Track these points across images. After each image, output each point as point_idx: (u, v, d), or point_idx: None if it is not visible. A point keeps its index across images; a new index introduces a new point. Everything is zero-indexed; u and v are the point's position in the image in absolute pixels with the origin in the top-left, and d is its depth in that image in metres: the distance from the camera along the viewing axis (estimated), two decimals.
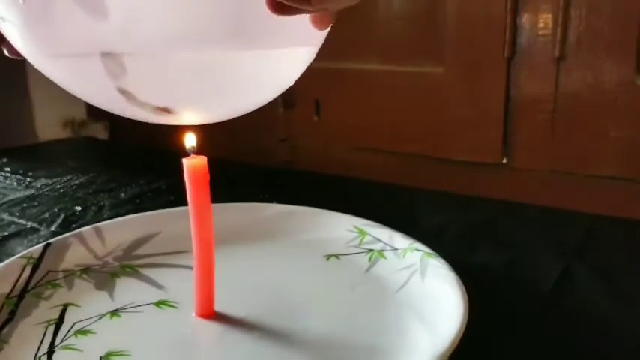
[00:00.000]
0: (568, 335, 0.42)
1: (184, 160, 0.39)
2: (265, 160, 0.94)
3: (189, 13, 0.28)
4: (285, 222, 0.56)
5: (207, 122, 0.36)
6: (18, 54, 0.34)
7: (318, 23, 0.31)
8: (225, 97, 0.34)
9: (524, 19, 0.76)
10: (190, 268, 0.43)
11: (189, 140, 0.39)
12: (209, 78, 0.31)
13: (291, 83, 0.36)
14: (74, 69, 0.31)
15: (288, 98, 0.93)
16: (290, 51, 0.33)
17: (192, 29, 0.29)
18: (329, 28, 0.32)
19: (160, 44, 0.29)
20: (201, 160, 0.39)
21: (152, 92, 0.32)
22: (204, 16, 0.28)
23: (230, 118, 0.36)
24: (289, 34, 0.31)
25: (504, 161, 0.81)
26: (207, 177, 0.39)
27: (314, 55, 0.35)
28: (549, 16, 0.75)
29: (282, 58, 0.33)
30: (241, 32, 0.30)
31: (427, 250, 0.47)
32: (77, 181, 0.79)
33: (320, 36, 0.33)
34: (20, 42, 0.31)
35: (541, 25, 0.75)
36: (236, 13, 0.29)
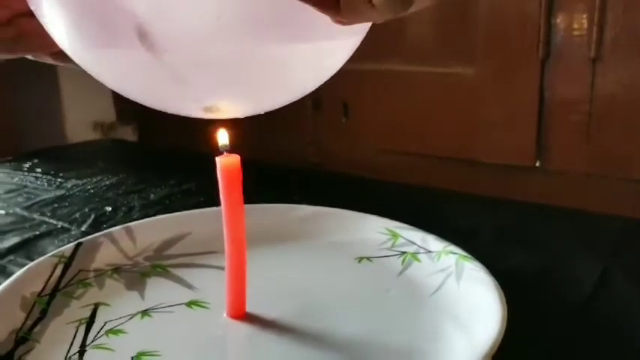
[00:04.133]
0: (606, 341, 0.40)
1: (217, 159, 0.39)
2: (293, 162, 0.93)
3: (233, 6, 0.28)
4: (316, 223, 0.55)
5: (247, 114, 0.35)
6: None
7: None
8: (267, 89, 0.34)
9: (559, 18, 0.74)
10: (221, 268, 0.42)
11: (222, 138, 0.38)
12: (252, 69, 0.31)
13: (334, 72, 0.35)
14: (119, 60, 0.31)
15: (316, 100, 0.92)
16: (335, 42, 0.32)
17: (236, 21, 0.28)
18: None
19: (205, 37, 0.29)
20: (235, 159, 0.39)
21: (200, 86, 0.32)
22: (247, 8, 0.28)
23: (271, 109, 0.35)
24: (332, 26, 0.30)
25: (537, 164, 0.79)
26: (240, 175, 0.39)
27: (357, 44, 0.34)
28: (585, 15, 0.73)
29: (328, 49, 0.32)
30: (285, 24, 0.29)
31: (462, 253, 0.46)
32: (107, 182, 0.79)
33: (365, 26, 0.33)
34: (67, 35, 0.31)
35: (576, 25, 0.74)
36: (280, 6, 0.28)
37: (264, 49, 0.30)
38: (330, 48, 0.33)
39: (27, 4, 0.33)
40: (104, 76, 0.33)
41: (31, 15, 0.35)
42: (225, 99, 0.34)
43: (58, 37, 0.32)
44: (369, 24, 0.32)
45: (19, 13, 0.36)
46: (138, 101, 0.34)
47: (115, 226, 0.53)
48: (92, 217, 0.66)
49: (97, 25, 0.29)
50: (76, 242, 0.49)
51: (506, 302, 0.38)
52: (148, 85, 0.33)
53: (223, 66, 0.30)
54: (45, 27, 0.32)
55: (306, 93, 0.35)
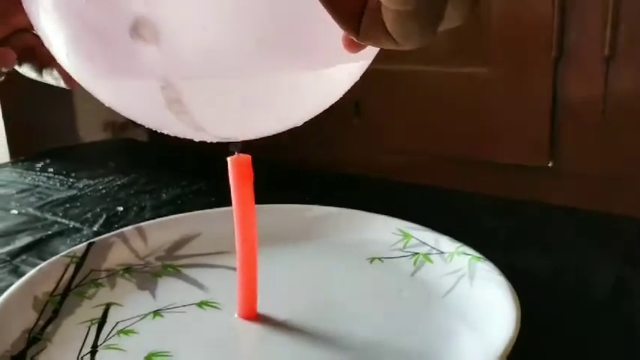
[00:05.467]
0: (622, 344, 0.40)
1: (229, 159, 0.38)
2: (305, 162, 0.93)
3: (245, 38, 0.28)
4: (328, 224, 0.55)
5: (254, 137, 0.36)
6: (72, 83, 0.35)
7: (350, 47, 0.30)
8: (276, 115, 0.34)
9: (572, 17, 0.74)
10: (232, 268, 0.42)
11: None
12: (262, 98, 0.31)
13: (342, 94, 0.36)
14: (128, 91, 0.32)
15: None
16: (343, 67, 0.32)
17: (246, 53, 0.28)
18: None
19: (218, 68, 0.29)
20: (246, 159, 0.38)
21: (207, 117, 0.33)
22: (257, 40, 0.28)
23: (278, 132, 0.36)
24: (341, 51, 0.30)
25: (550, 164, 0.79)
26: (252, 175, 0.39)
27: (365, 67, 0.35)
28: (598, 14, 0.72)
29: (335, 74, 0.33)
30: (295, 55, 0.29)
31: (475, 254, 0.45)
32: (119, 182, 0.79)
33: (373, 50, 0.33)
34: (71, 61, 0.32)
35: (590, 23, 0.73)
36: (291, 36, 0.29)
37: (279, 76, 0.30)
38: (341, 71, 0.33)
39: (27, 19, 0.33)
40: (114, 104, 0.34)
41: (27, 31, 0.35)
42: (237, 130, 0.34)
43: (66, 64, 0.32)
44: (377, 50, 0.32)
45: (17, 29, 0.36)
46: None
47: (126, 226, 0.53)
48: (104, 217, 0.66)
49: (113, 58, 0.30)
50: (87, 242, 0.50)
51: (520, 304, 0.38)
52: (158, 117, 0.34)
53: (237, 96, 0.31)
54: (55, 55, 0.32)
55: (316, 114, 0.36)
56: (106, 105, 0.34)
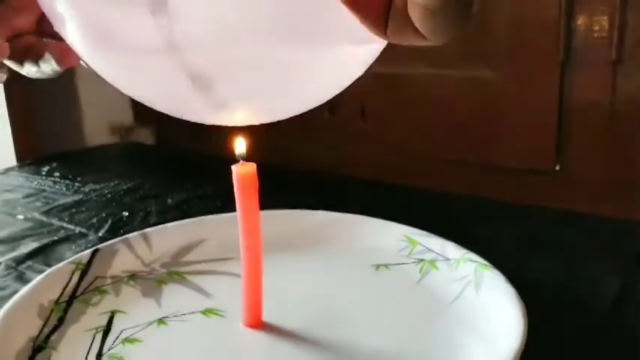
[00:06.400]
0: (629, 352, 0.40)
1: (234, 167, 0.38)
2: (311, 167, 0.93)
3: (255, 10, 0.27)
4: (333, 230, 0.54)
5: (263, 122, 0.35)
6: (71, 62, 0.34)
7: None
8: (285, 95, 0.33)
9: (579, 21, 0.73)
10: (238, 275, 0.42)
11: (239, 146, 0.38)
12: (271, 75, 0.31)
13: (352, 81, 0.35)
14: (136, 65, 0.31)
15: (333, 103, 0.91)
16: (353, 48, 0.32)
17: (256, 26, 0.28)
18: None
19: (225, 41, 0.28)
20: (251, 167, 0.38)
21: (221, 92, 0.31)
22: (267, 13, 0.28)
23: (287, 117, 0.35)
24: (353, 31, 0.30)
25: (557, 168, 0.78)
26: (257, 184, 0.39)
27: (377, 54, 0.34)
28: (605, 17, 0.72)
29: (345, 55, 0.32)
30: (305, 29, 0.29)
31: (482, 261, 0.45)
32: (124, 187, 0.79)
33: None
34: (79, 37, 0.31)
35: (597, 27, 0.72)
36: (301, 10, 0.28)
37: (288, 52, 0.29)
38: (352, 54, 0.32)
39: (27, 22, 0.33)
40: (119, 80, 0.33)
41: (30, 33, 0.35)
42: (244, 105, 0.33)
43: (71, 38, 0.32)
44: None
45: (20, 32, 0.36)
46: (151, 105, 0.34)
47: (132, 231, 0.53)
48: (109, 222, 0.66)
49: (114, 26, 0.29)
50: (93, 249, 0.50)
51: (527, 312, 0.38)
52: (164, 89, 0.33)
53: (247, 69, 0.30)
54: (59, 31, 0.32)
55: (324, 100, 0.35)
56: (109, 83, 0.34)
